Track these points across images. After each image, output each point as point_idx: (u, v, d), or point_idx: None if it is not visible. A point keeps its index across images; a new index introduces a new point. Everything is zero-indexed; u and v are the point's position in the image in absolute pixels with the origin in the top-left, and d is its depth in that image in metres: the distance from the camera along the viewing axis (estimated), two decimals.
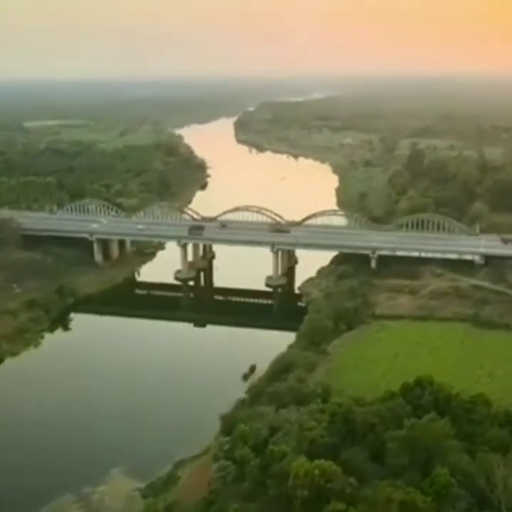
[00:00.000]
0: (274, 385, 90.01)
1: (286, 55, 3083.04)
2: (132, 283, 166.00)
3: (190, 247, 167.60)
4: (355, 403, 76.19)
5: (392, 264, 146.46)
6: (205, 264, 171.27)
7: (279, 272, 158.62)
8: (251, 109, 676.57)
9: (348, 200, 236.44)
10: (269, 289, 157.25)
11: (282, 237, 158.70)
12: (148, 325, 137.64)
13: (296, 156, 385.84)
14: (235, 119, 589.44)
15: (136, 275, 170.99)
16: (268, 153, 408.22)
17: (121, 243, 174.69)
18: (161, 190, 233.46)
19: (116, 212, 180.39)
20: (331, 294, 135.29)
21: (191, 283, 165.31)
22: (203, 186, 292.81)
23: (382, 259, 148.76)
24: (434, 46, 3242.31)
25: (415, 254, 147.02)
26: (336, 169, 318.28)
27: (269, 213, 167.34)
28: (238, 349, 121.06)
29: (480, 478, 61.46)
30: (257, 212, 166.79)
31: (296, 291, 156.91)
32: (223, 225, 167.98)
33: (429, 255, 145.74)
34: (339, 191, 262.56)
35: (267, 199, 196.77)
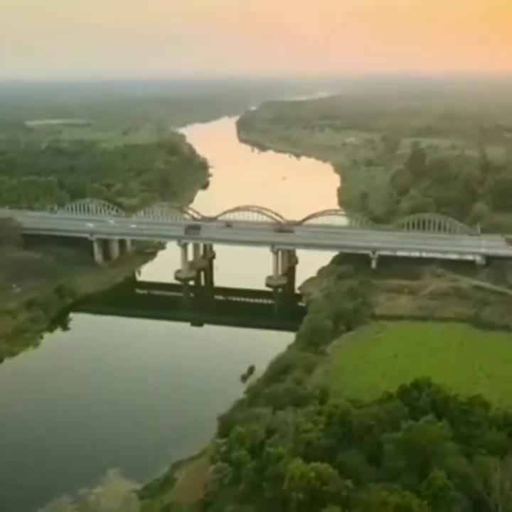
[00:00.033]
0: (271, 387, 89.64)
1: (288, 54, 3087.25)
2: (132, 283, 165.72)
3: (190, 247, 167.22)
4: (352, 405, 75.82)
5: (392, 264, 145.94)
6: (205, 263, 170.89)
7: (280, 272, 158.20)
8: (253, 108, 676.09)
9: (349, 199, 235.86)
10: (270, 289, 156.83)
11: (282, 237, 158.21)
12: (148, 325, 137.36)
13: (298, 156, 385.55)
14: (237, 118, 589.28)
15: (136, 275, 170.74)
16: (270, 153, 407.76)
17: (122, 243, 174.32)
18: (162, 189, 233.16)
19: (117, 211, 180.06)
20: (331, 294, 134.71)
21: (192, 283, 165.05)
22: (205, 186, 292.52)
23: (382, 260, 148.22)
24: (437, 45, 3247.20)
25: (416, 254, 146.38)
26: (338, 168, 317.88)
27: (269, 213, 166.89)
28: (238, 349, 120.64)
29: (477, 481, 61.14)
30: (258, 212, 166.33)
31: (297, 291, 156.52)
32: (228, 225, 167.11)
33: (430, 255, 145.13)
34: (341, 191, 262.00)
35: (269, 198, 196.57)
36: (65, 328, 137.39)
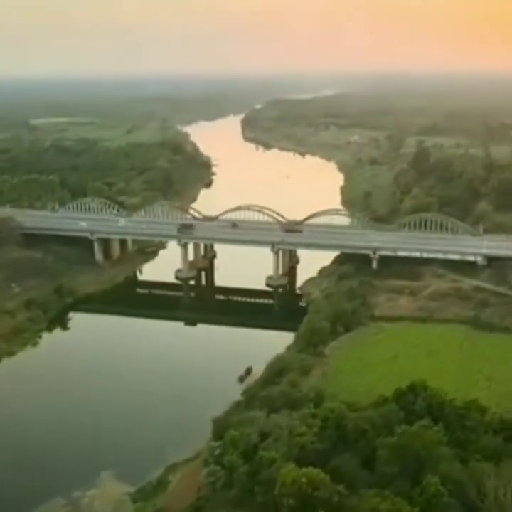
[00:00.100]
0: (266, 389, 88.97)
1: (294, 52, 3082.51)
2: (133, 282, 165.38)
3: (191, 247, 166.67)
4: (348, 408, 74.99)
5: (393, 265, 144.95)
6: (206, 263, 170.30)
7: (280, 272, 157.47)
8: (258, 106, 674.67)
9: (352, 198, 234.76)
10: (271, 289, 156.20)
11: (282, 237, 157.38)
12: (148, 324, 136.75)
13: (302, 154, 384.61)
14: (242, 116, 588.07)
15: (137, 274, 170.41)
16: (275, 151, 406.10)
17: (123, 242, 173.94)
18: (165, 188, 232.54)
19: (118, 210, 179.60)
20: (331, 295, 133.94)
21: (192, 282, 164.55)
22: (208, 184, 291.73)
23: (383, 260, 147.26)
24: (443, 43, 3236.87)
25: (417, 254, 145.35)
26: (342, 167, 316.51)
27: (270, 212, 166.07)
28: (238, 349, 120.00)
29: (471, 487, 60.33)
30: (258, 211, 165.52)
31: (297, 291, 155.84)
32: (234, 225, 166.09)
33: (431, 256, 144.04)
34: (344, 190, 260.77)
35: (272, 197, 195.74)
36: (65, 327, 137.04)
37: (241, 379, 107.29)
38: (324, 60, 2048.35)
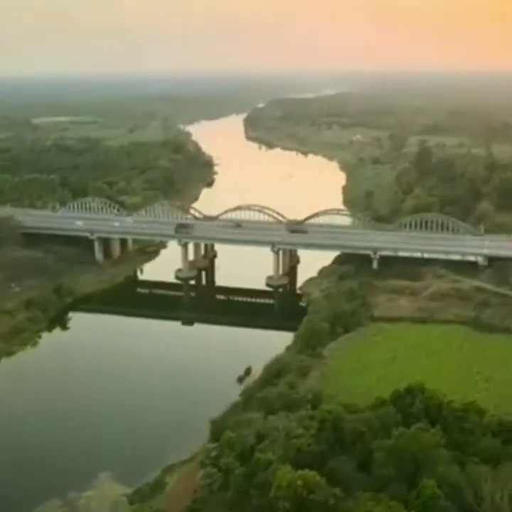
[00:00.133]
0: (264, 390, 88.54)
1: (296, 51, 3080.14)
2: (133, 282, 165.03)
3: (191, 246, 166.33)
4: (345, 410, 74.57)
5: (394, 265, 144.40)
6: (206, 263, 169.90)
7: (280, 272, 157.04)
8: (261, 105, 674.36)
9: (354, 198, 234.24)
10: (271, 289, 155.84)
11: (282, 237, 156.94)
12: (148, 324, 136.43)
13: (305, 153, 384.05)
14: (245, 115, 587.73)
15: (137, 274, 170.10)
16: (277, 150, 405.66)
17: (123, 242, 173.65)
18: (166, 188, 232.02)
19: (118, 210, 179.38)
20: (331, 295, 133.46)
21: (193, 282, 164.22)
22: (210, 184, 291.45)
23: (384, 260, 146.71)
24: (445, 43, 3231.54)
25: (417, 254, 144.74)
26: (344, 166, 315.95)
27: (271, 212, 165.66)
28: (238, 349, 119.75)
29: (468, 490, 59.86)
30: (259, 211, 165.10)
31: (298, 291, 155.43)
32: (238, 225, 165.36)
33: (432, 256, 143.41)
34: (346, 189, 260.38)
35: (274, 197, 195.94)
36: (64, 327, 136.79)
37: (240, 379, 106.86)
38: (327, 60, 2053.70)
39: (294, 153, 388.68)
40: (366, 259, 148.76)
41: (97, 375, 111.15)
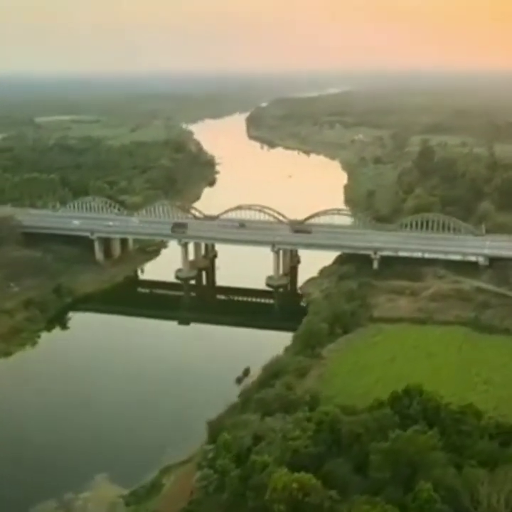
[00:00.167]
0: (262, 391, 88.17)
1: (300, 50, 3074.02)
2: (133, 281, 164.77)
3: (191, 246, 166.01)
4: (343, 412, 74.37)
5: (394, 265, 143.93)
6: (207, 263, 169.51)
7: (281, 272, 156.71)
8: (264, 104, 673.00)
9: (356, 198, 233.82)
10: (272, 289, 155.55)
11: (282, 237, 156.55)
12: (148, 324, 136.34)
13: (307, 153, 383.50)
14: (247, 114, 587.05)
15: (137, 274, 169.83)
16: (279, 150, 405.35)
17: (124, 241, 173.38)
18: (167, 187, 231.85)
19: (119, 209, 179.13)
20: (331, 295, 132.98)
21: (193, 282, 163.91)
22: (211, 183, 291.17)
23: (385, 260, 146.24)
24: (448, 41, 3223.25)
25: (418, 255, 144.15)
26: (346, 166, 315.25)
27: (271, 212, 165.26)
28: (238, 349, 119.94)
29: (464, 494, 59.45)
30: (260, 210, 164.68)
31: (299, 291, 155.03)
32: (242, 225, 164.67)
33: (432, 256, 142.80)
34: (347, 189, 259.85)
35: (275, 196, 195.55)
36: (64, 327, 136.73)
37: (238, 380, 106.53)
38: (330, 59, 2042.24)
39: (295, 152, 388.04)
40: (367, 259, 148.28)
41: (95, 375, 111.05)
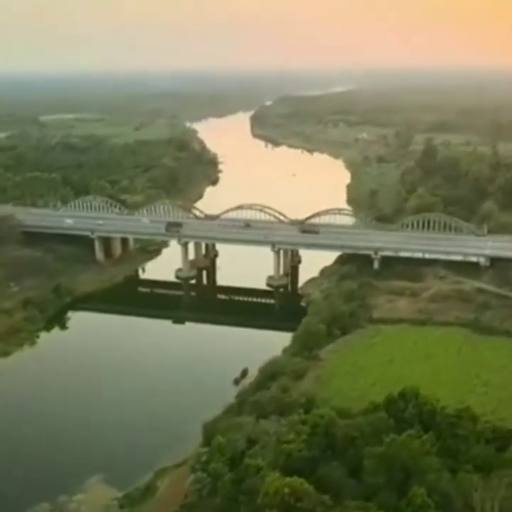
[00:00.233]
0: (257, 394, 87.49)
1: (304, 48, 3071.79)
2: (133, 281, 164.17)
3: (191, 246, 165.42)
4: (338, 415, 73.67)
5: (395, 265, 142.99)
6: (207, 262, 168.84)
7: (281, 272, 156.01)
8: (269, 103, 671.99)
9: (358, 197, 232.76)
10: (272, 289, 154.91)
11: (282, 237, 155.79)
12: (148, 324, 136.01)
13: (311, 151, 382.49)
14: (252, 113, 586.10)
15: (137, 273, 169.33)
16: (283, 148, 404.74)
17: (124, 241, 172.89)
18: (169, 186, 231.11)
19: (120, 209, 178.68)
20: (330, 296, 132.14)
21: (193, 281, 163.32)
22: (214, 182, 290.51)
23: (385, 260, 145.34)
24: (453, 40, 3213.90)
25: (419, 255, 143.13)
26: (349, 165, 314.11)
27: (272, 211, 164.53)
28: (238, 350, 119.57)
29: (458, 499, 58.80)
30: (260, 210, 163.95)
31: (299, 291, 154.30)
32: (247, 225, 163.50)
33: (433, 256, 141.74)
34: (350, 188, 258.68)
35: (278, 196, 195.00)
36: (63, 327, 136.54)
37: (236, 381, 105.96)
38: (335, 57, 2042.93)
39: (299, 151, 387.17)
40: (368, 259, 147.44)
41: (93, 376, 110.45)
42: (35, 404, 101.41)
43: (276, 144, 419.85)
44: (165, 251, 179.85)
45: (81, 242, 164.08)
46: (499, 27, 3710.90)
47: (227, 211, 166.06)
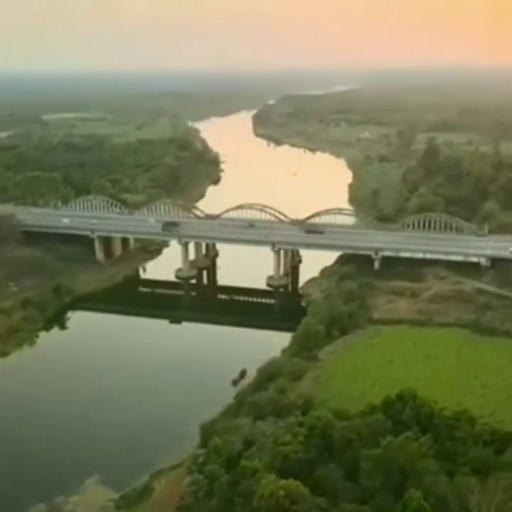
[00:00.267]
0: (255, 395, 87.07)
1: (307, 48, 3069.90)
2: (133, 281, 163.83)
3: (192, 246, 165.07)
4: (336, 416, 73.20)
5: (396, 265, 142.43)
6: (207, 262, 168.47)
7: (281, 272, 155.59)
8: (271, 102, 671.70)
9: (360, 196, 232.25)
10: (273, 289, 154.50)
11: (282, 237, 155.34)
12: (148, 323, 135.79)
13: (313, 151, 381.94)
14: (255, 112, 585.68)
15: (138, 273, 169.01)
16: (285, 147, 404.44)
17: (125, 240, 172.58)
18: (170, 186, 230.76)
19: (120, 208, 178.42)
20: (330, 296, 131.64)
21: (194, 281, 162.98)
22: (216, 181, 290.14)
23: (386, 260, 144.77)
24: (455, 39, 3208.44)
25: (419, 255, 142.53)
26: (351, 164, 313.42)
27: (272, 211, 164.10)
28: (237, 350, 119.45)
29: (455, 502, 58.37)
30: (260, 210, 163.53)
31: (299, 291, 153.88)
32: (251, 225, 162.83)
33: (434, 257, 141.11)
34: (352, 187, 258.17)
35: (279, 195, 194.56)
36: (62, 327, 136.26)
37: (235, 382, 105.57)
38: (336, 56, 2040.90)
39: (301, 150, 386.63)
40: (368, 260, 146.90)
41: (93, 376, 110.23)
42: (35, 404, 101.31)
43: (278, 143, 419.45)
44: (165, 251, 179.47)
45: (81, 242, 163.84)
46: (499, 27, 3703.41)
47: (227, 211, 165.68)
